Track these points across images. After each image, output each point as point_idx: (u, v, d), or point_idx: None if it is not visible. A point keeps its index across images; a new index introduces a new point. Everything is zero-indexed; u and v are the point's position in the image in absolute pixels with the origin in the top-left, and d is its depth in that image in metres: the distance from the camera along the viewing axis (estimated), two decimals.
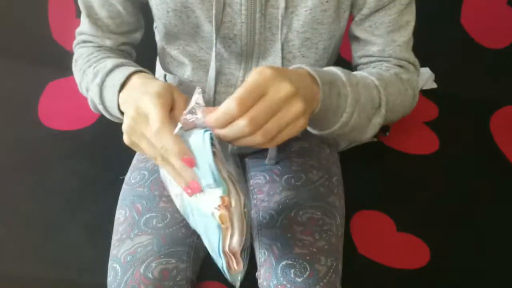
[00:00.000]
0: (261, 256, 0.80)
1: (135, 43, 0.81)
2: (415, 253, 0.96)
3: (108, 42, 0.77)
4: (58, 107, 1.22)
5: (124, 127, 0.56)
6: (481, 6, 1.26)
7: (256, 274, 0.81)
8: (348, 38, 0.78)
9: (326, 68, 0.61)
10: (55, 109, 1.21)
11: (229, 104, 0.48)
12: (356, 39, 0.76)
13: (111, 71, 0.67)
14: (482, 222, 1.01)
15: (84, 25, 0.76)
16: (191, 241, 0.82)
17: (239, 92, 0.48)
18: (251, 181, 0.91)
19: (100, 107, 0.70)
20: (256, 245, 0.84)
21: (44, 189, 1.03)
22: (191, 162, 0.52)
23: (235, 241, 0.57)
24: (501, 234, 1.00)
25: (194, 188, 0.54)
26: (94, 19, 0.75)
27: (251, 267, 0.83)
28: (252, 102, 0.48)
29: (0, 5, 1.30)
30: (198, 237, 0.84)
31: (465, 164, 1.12)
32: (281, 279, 0.74)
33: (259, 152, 0.91)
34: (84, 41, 0.78)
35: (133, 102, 0.55)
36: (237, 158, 0.91)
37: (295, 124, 0.51)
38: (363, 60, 0.76)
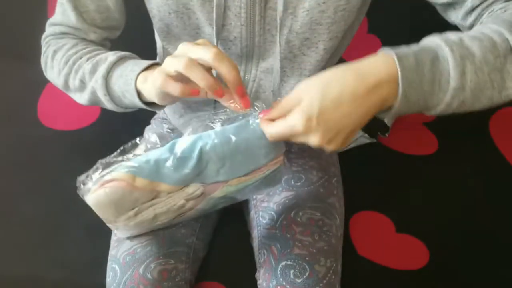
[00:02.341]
0: (261, 256, 0.80)
1: (113, 39, 0.82)
2: (414, 254, 0.96)
3: (92, 36, 0.77)
4: (57, 107, 1.21)
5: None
6: None
7: (256, 274, 0.81)
8: (441, 14, 0.70)
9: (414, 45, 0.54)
10: (55, 109, 1.21)
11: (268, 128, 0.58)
12: (449, 6, 0.67)
13: (116, 63, 0.70)
14: (481, 223, 1.01)
15: (67, 18, 0.75)
16: (190, 242, 0.82)
17: (272, 113, 0.58)
18: None
19: (105, 98, 0.72)
20: (256, 246, 0.84)
21: (43, 189, 1.03)
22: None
23: None
24: (500, 234, 1.00)
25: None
26: (80, 12, 0.74)
27: (251, 267, 0.84)
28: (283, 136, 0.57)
29: None
30: (198, 237, 0.84)
31: (464, 165, 1.12)
32: (281, 279, 0.74)
33: None
34: (64, 33, 0.77)
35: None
36: None
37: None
38: (469, 19, 0.65)
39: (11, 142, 1.13)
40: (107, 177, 0.60)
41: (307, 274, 0.73)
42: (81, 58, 0.73)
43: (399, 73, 0.50)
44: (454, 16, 0.67)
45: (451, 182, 1.08)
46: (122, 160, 0.61)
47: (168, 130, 0.95)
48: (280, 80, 0.74)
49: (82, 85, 0.74)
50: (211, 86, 0.57)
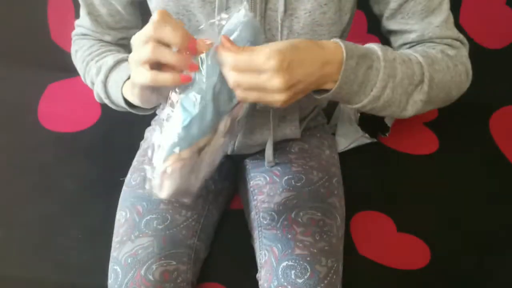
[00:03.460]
0: (262, 257, 0.80)
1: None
2: (416, 253, 0.95)
3: (107, 38, 0.81)
4: (58, 109, 1.22)
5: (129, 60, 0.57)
6: (480, 7, 1.26)
7: (257, 275, 0.81)
8: (383, 34, 0.78)
9: (365, 45, 0.63)
10: (55, 111, 1.21)
11: (228, 58, 0.53)
12: (392, 32, 0.75)
13: (113, 68, 0.72)
14: (482, 222, 1.01)
15: (85, 21, 0.80)
16: (192, 243, 0.82)
17: (242, 58, 0.53)
18: (251, 182, 0.91)
19: (106, 101, 0.75)
20: (257, 246, 0.84)
21: (44, 191, 1.03)
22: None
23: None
24: (501, 234, 0.99)
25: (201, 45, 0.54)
26: (94, 16, 0.78)
27: (252, 268, 0.84)
28: (246, 70, 0.53)
29: None
30: (199, 238, 0.84)
31: (465, 164, 1.12)
32: (282, 280, 0.74)
33: (259, 153, 0.91)
34: (84, 34, 0.82)
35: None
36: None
37: (272, 103, 0.56)
38: (405, 47, 0.75)
39: (11, 144, 1.13)
40: (160, 169, 0.59)
41: (308, 274, 0.73)
42: (92, 60, 0.77)
43: (343, 68, 0.58)
44: (393, 41, 0.77)
45: (452, 181, 1.08)
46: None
47: None
48: None
49: (92, 85, 0.77)
50: (181, 61, 0.53)
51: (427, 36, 0.72)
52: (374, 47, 0.62)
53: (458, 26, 0.75)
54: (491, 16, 1.28)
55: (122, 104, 0.70)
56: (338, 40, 0.60)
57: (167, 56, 0.53)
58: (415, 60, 0.65)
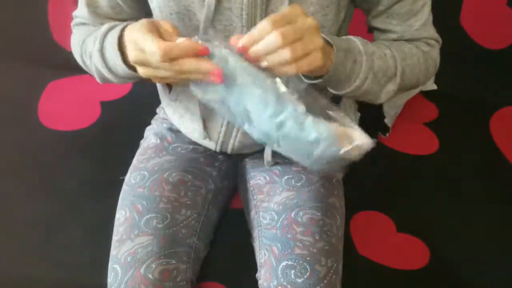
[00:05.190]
0: (261, 256, 0.80)
1: None
2: (415, 253, 0.95)
3: None
4: (58, 107, 1.22)
5: (133, 61, 0.61)
6: (481, 7, 1.26)
7: (256, 275, 0.81)
8: (367, 27, 0.82)
9: (346, 37, 0.68)
10: (55, 110, 1.21)
11: (264, 24, 0.55)
12: (375, 28, 0.80)
13: (106, 34, 0.70)
14: (482, 222, 1.01)
15: (83, 12, 0.79)
16: (192, 242, 0.82)
17: (272, 16, 0.55)
18: (251, 182, 0.91)
19: (104, 71, 0.72)
20: (256, 246, 0.84)
21: (44, 189, 1.03)
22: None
23: None
24: (501, 234, 1.00)
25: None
26: (93, 8, 0.77)
27: (251, 268, 0.84)
28: (284, 24, 0.55)
29: (0, 5, 1.30)
30: (199, 237, 0.84)
31: (465, 165, 1.12)
32: (282, 280, 0.74)
33: (259, 153, 0.91)
34: (83, 23, 0.81)
35: (129, 40, 0.62)
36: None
37: (316, 55, 0.57)
38: (385, 42, 0.78)
39: (11, 142, 1.13)
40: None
41: (307, 274, 0.73)
42: (89, 35, 0.76)
43: (334, 60, 0.63)
44: (375, 35, 0.81)
45: (452, 182, 1.08)
46: None
47: (169, 130, 0.95)
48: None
49: (91, 62, 0.75)
50: (206, 70, 0.57)
51: (405, 38, 0.77)
52: (355, 40, 0.68)
53: (459, 26, 0.76)
54: (492, 17, 1.28)
55: (119, 64, 0.67)
56: (323, 35, 0.62)
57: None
58: (389, 54, 0.71)
